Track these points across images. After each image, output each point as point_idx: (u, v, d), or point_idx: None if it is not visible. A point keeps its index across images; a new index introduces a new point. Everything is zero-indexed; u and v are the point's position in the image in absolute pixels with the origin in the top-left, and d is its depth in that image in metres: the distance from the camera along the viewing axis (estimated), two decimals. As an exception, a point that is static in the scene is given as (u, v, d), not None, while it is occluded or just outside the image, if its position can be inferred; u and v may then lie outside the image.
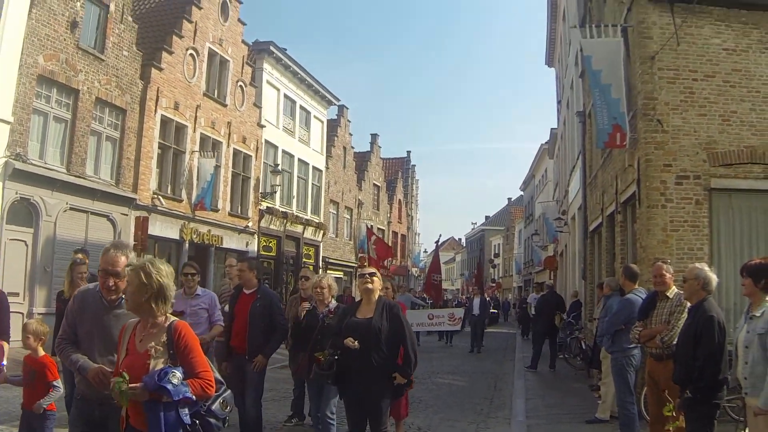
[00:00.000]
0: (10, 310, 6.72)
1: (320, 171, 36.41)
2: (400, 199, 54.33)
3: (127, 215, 20.34)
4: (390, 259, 31.93)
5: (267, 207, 29.34)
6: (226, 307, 8.76)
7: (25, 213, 16.74)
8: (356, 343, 5.78)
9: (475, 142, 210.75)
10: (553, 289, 21.09)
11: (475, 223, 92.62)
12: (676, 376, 5.97)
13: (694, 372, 5.65)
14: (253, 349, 7.71)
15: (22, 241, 16.57)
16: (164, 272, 3.99)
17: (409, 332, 6.12)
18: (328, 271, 36.64)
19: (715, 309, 5.87)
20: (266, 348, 7.78)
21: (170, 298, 4.01)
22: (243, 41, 27.64)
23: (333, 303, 7.68)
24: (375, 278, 6.14)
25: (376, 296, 6.13)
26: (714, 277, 6.09)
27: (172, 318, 4.00)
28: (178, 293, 8.20)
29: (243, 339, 7.78)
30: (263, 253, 29.04)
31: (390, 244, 50.53)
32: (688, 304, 6.28)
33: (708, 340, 5.63)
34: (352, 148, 42.65)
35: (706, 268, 6.18)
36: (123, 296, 4.34)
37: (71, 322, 4.69)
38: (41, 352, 6.11)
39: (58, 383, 6.09)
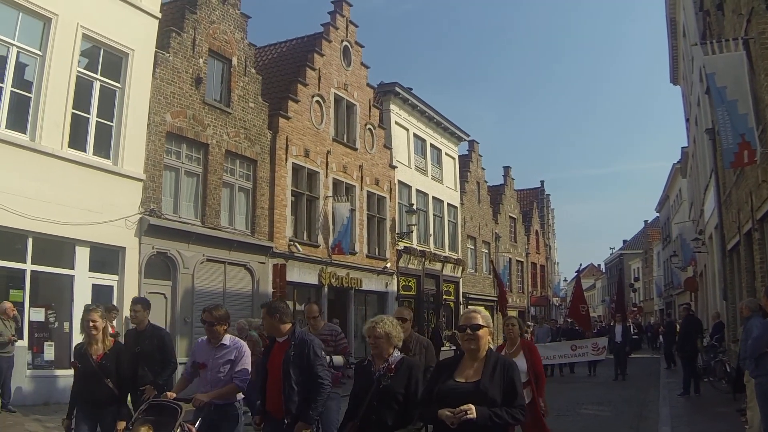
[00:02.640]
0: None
1: (455, 207, 36.04)
2: (536, 230, 53.49)
3: (264, 263, 20.61)
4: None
5: (404, 247, 29.14)
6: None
7: (162, 266, 17.24)
8: (459, 416, 4.22)
9: (605, 166, 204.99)
10: (689, 312, 19.97)
11: (613, 248, 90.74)
12: None
13: None
14: (290, 411, 6.13)
15: (161, 294, 17.02)
16: None
17: (522, 396, 4.59)
18: (468, 306, 36.00)
19: None
20: (306, 411, 6.08)
21: None
22: (368, 84, 27.84)
23: (396, 355, 5.60)
24: (481, 332, 4.60)
25: (484, 352, 4.62)
26: None
27: None
28: (203, 341, 7.01)
29: (278, 399, 6.24)
30: (403, 292, 28.81)
31: (529, 275, 49.64)
32: None
33: None
34: (486, 182, 42.15)
35: None
36: None
37: None
38: None
39: None
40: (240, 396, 6.80)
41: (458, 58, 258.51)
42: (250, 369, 6.77)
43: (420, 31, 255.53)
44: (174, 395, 6.50)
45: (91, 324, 6.80)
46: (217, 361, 6.65)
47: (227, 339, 6.80)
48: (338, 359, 8.29)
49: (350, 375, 6.89)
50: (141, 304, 8.73)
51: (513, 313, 39.86)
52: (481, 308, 5.03)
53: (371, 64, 28.90)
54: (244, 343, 6.98)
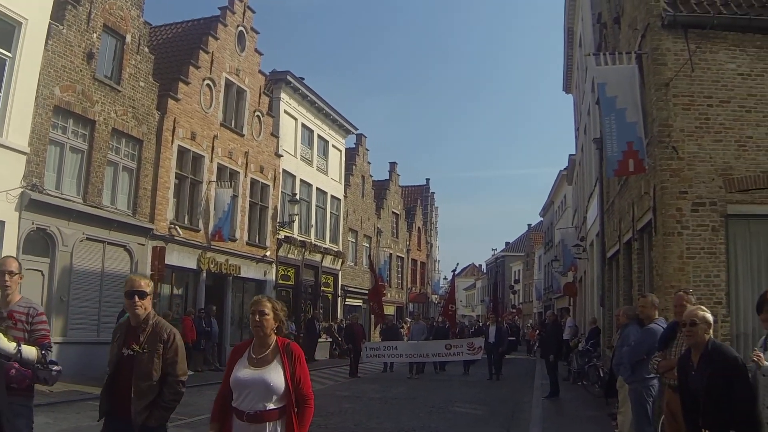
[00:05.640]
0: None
1: (339, 200, 36.45)
2: (419, 227, 54.28)
3: (144, 245, 20.37)
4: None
5: (285, 236, 29.34)
6: None
7: (41, 243, 16.81)
8: None
9: (495, 169, 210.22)
10: (554, 318, 21.07)
11: (495, 249, 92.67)
12: (708, 423, 5.54)
13: (735, 416, 5.40)
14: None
15: (39, 270, 16.61)
16: None
17: None
18: (347, 299, 36.52)
19: (730, 349, 5.78)
20: None
21: None
22: (260, 71, 27.83)
23: None
24: None
25: None
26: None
27: None
28: None
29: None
30: (281, 282, 29.00)
31: (409, 271, 50.48)
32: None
33: (744, 382, 5.44)
34: (371, 176, 42.75)
35: (704, 308, 6.00)
36: None
37: None
38: None
39: None
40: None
41: (358, 53, 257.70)
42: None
43: (321, 25, 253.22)
44: None
45: None
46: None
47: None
48: (30, 351, 5.26)
49: (46, 378, 5.24)
50: None
51: (390, 310, 40.59)
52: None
53: (268, 54, 28.84)
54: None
